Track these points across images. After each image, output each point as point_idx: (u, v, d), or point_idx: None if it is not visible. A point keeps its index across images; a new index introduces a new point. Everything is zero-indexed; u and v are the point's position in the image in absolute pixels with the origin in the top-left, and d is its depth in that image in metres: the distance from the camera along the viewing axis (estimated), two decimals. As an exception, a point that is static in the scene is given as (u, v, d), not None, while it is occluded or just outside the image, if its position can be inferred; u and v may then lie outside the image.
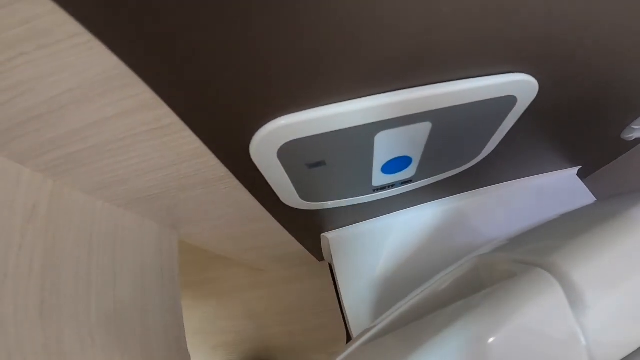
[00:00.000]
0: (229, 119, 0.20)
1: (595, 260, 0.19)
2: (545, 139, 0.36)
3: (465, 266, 0.27)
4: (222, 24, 0.15)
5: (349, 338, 0.59)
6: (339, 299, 0.47)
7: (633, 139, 0.39)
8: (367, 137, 0.24)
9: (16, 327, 0.18)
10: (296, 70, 0.18)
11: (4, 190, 0.19)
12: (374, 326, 0.27)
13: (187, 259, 0.66)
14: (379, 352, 0.24)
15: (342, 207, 0.36)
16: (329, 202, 0.34)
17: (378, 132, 0.24)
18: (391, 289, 0.41)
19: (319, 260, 0.63)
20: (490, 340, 0.18)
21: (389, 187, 0.34)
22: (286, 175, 0.26)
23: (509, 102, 0.24)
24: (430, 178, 0.35)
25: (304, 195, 0.31)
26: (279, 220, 0.39)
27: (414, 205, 0.45)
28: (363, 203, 0.36)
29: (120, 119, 0.19)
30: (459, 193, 0.46)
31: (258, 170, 0.25)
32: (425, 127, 0.25)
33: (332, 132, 0.22)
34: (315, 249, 0.54)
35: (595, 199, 0.47)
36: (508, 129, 0.29)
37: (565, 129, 0.34)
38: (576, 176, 0.49)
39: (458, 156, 0.33)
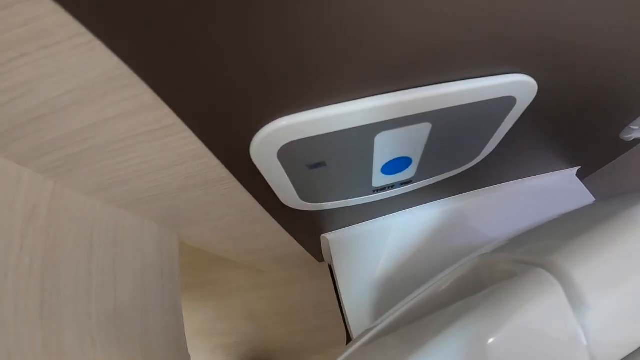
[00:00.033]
0: (229, 120, 0.20)
1: (595, 260, 0.19)
2: (545, 139, 0.36)
3: (466, 266, 0.27)
4: (223, 26, 0.15)
5: (349, 339, 0.59)
6: (339, 300, 0.47)
7: (632, 139, 0.39)
8: (367, 138, 0.24)
9: (16, 327, 0.18)
10: (296, 71, 0.18)
11: (4, 191, 0.19)
12: (374, 327, 0.27)
13: (187, 261, 0.66)
14: (379, 353, 0.24)
15: (342, 208, 0.36)
16: (329, 203, 0.34)
17: (378, 132, 0.24)
18: (391, 290, 0.41)
19: (319, 262, 0.63)
20: (490, 340, 0.18)
21: (389, 187, 0.34)
22: (286, 176, 0.26)
23: (508, 102, 0.25)
24: (430, 179, 0.35)
25: (304, 196, 0.31)
26: (279, 221, 0.39)
27: (414, 206, 0.45)
28: (363, 204, 0.36)
29: (121, 119, 0.19)
30: (459, 193, 0.46)
31: (258, 171, 0.25)
32: (425, 128, 0.25)
33: (333, 133, 0.22)
34: (315, 250, 0.54)
35: (594, 199, 0.47)
36: (507, 129, 0.29)
37: (565, 129, 0.34)
38: (575, 176, 0.49)
39: (458, 157, 0.33)
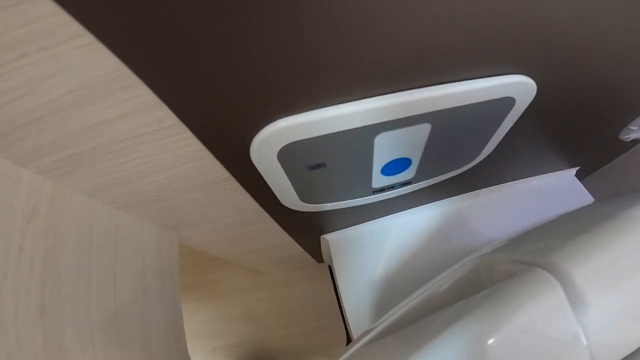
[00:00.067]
0: (229, 121, 0.20)
1: (595, 259, 0.19)
2: (544, 139, 0.36)
3: (466, 267, 0.27)
4: (222, 27, 0.15)
5: (349, 340, 0.59)
6: (339, 301, 0.47)
7: (631, 139, 0.39)
8: (367, 139, 0.24)
9: (16, 327, 0.18)
10: (296, 72, 0.18)
11: (4, 192, 0.19)
12: (374, 328, 0.27)
13: (187, 262, 0.66)
14: (379, 354, 0.24)
15: (342, 209, 0.36)
16: (329, 204, 0.34)
17: (378, 133, 0.24)
18: (391, 291, 0.41)
19: (319, 262, 0.63)
20: (491, 341, 0.18)
21: (388, 188, 0.34)
22: (286, 177, 0.26)
23: (507, 103, 0.25)
24: (430, 179, 0.35)
25: (304, 197, 0.31)
26: (278, 222, 0.39)
27: (414, 207, 0.46)
28: (363, 205, 0.36)
29: (122, 120, 0.19)
30: (459, 194, 0.46)
31: (258, 172, 0.25)
32: (424, 129, 0.25)
33: (332, 134, 0.22)
34: (315, 251, 0.54)
35: (593, 199, 0.48)
36: (507, 130, 0.29)
37: (564, 130, 0.34)
38: (574, 177, 0.50)
39: (457, 157, 0.33)
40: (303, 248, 0.52)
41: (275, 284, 0.72)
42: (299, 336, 0.69)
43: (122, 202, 0.27)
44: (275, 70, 0.18)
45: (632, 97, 0.32)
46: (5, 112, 0.17)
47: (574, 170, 0.49)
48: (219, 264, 0.72)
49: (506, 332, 0.18)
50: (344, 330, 0.66)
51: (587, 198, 0.48)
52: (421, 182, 0.35)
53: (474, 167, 0.35)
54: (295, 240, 0.48)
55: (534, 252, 0.23)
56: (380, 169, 0.29)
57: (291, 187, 0.28)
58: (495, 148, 0.32)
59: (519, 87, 0.23)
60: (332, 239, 0.45)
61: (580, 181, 0.49)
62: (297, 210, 0.33)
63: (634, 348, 0.18)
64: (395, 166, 0.30)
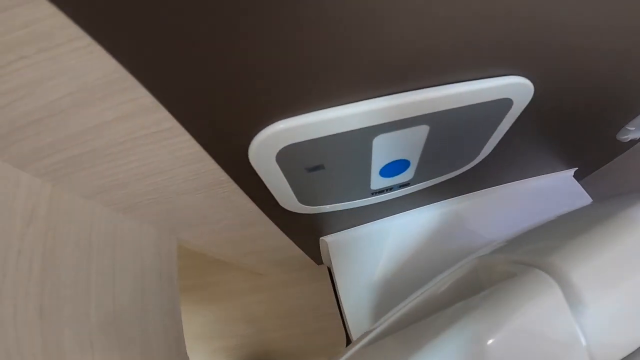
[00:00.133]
0: (227, 124, 0.20)
1: (593, 260, 0.19)
2: (542, 141, 0.36)
3: (465, 268, 0.27)
4: (220, 29, 0.15)
5: (348, 341, 0.59)
6: (338, 302, 0.47)
7: (628, 140, 0.39)
8: (365, 141, 0.24)
9: (16, 328, 0.18)
10: (294, 75, 0.18)
11: (3, 194, 0.19)
12: (374, 329, 0.27)
13: (186, 263, 0.66)
14: (378, 355, 0.24)
15: (341, 210, 0.36)
16: (328, 206, 0.34)
17: (376, 135, 0.24)
18: (390, 292, 0.41)
19: (318, 264, 0.63)
20: (490, 341, 0.18)
21: (387, 190, 0.34)
22: (285, 179, 0.26)
23: (505, 104, 0.25)
24: (428, 181, 0.36)
25: (302, 199, 0.31)
26: (277, 224, 0.39)
27: (413, 208, 0.46)
28: (362, 206, 0.36)
29: (120, 122, 0.19)
30: (457, 196, 0.46)
31: (257, 175, 0.25)
32: (422, 130, 0.25)
33: (331, 135, 0.22)
34: (314, 253, 0.54)
35: (592, 200, 0.48)
36: (505, 131, 0.29)
37: (562, 130, 0.34)
38: (573, 178, 0.50)
39: (456, 159, 0.33)
40: (302, 250, 0.52)
41: (274, 286, 0.71)
42: (298, 338, 0.69)
43: (121, 204, 0.27)
44: (273, 73, 0.18)
45: (629, 98, 0.32)
46: (4, 114, 0.17)
47: (572, 171, 0.49)
48: (219, 266, 0.72)
49: (505, 333, 0.18)
50: (344, 331, 0.66)
51: (585, 199, 0.48)
52: (420, 184, 0.35)
53: (472, 168, 0.35)
54: (295, 242, 0.48)
55: (533, 253, 0.23)
56: (378, 170, 0.29)
57: (290, 189, 0.28)
58: (494, 149, 0.32)
59: (516, 88, 0.23)
60: (331, 241, 0.45)
61: (579, 182, 0.49)
62: (296, 212, 0.33)
63: (633, 348, 0.18)
64: (394, 168, 0.30)
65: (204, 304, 0.72)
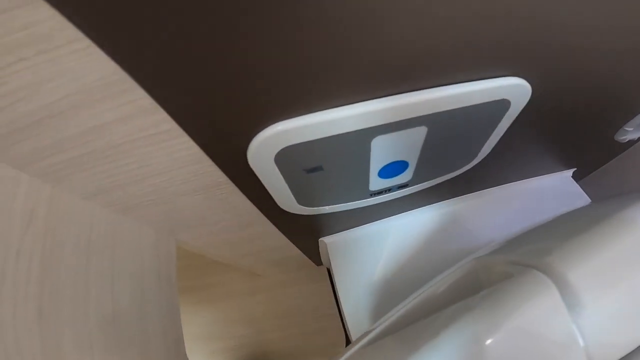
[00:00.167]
0: (226, 125, 0.21)
1: (590, 261, 0.19)
2: (540, 141, 0.36)
3: (463, 268, 0.27)
4: (218, 31, 0.15)
5: (348, 342, 0.59)
6: (337, 303, 0.47)
7: (626, 140, 0.39)
8: (363, 142, 0.24)
9: (15, 329, 0.18)
10: (293, 77, 0.18)
11: (3, 195, 0.19)
12: (373, 329, 0.27)
13: (185, 264, 0.66)
14: (378, 355, 0.24)
15: (340, 211, 0.36)
16: (327, 207, 0.34)
17: (374, 136, 0.24)
18: (390, 292, 0.41)
19: (317, 265, 0.63)
20: (489, 341, 0.18)
21: (386, 191, 0.34)
22: (283, 181, 0.26)
23: (502, 105, 0.25)
24: (427, 182, 0.36)
25: (301, 201, 0.31)
26: (276, 226, 0.39)
27: (411, 209, 0.46)
28: (360, 207, 0.36)
29: (119, 124, 0.19)
30: (456, 196, 0.46)
31: (255, 176, 0.25)
32: (420, 132, 0.25)
33: (329, 137, 0.22)
34: (313, 254, 0.54)
35: (590, 200, 0.48)
36: (503, 132, 0.29)
37: (560, 131, 0.34)
38: (571, 178, 0.50)
39: (454, 160, 0.33)
40: (301, 251, 0.52)
41: (273, 287, 0.71)
42: (297, 338, 0.69)
43: (120, 205, 0.27)
44: (272, 74, 0.18)
45: (627, 99, 0.32)
46: (4, 115, 0.17)
47: (570, 172, 0.49)
48: (218, 267, 0.72)
49: (504, 333, 0.19)
50: (343, 332, 0.66)
51: (584, 199, 0.48)
52: (418, 185, 0.35)
53: (470, 169, 0.35)
54: (294, 243, 0.48)
55: (531, 254, 0.23)
56: (377, 171, 0.29)
57: (289, 190, 0.28)
58: (492, 150, 0.32)
59: (513, 89, 0.23)
60: (330, 242, 0.45)
61: (577, 182, 0.49)
62: (294, 214, 0.33)
63: (631, 348, 0.19)
64: (393, 169, 0.30)
65: (203, 305, 0.72)
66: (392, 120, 0.23)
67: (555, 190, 0.48)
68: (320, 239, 0.46)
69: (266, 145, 0.22)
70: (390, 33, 0.17)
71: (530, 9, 0.18)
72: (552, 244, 0.22)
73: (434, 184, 0.36)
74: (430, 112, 0.23)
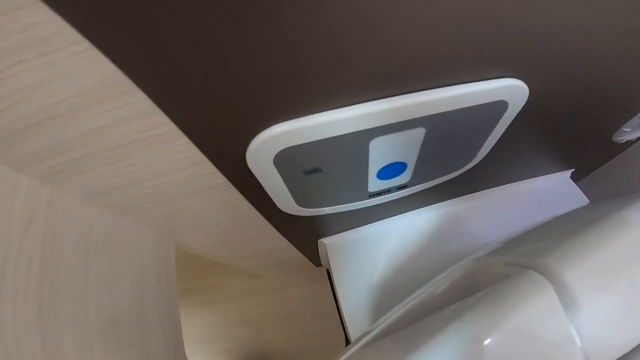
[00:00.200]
0: (225, 127, 0.21)
1: (587, 261, 0.19)
2: (538, 142, 0.36)
3: (461, 269, 0.27)
4: (217, 34, 0.15)
5: (347, 343, 0.59)
6: (337, 304, 0.47)
7: (624, 141, 0.40)
8: (362, 144, 0.24)
9: (15, 329, 0.19)
10: (291, 79, 0.18)
11: (3, 197, 0.19)
12: (372, 330, 0.27)
13: (185, 266, 0.66)
14: (376, 355, 0.24)
15: (339, 213, 0.36)
16: (326, 208, 0.34)
17: (373, 138, 0.24)
18: (389, 293, 0.41)
19: (317, 266, 0.63)
20: (487, 341, 0.18)
21: (384, 192, 0.34)
22: (282, 182, 0.26)
23: (500, 107, 0.25)
24: (426, 183, 0.36)
25: (300, 202, 0.31)
26: (275, 227, 0.39)
27: (410, 211, 0.46)
28: (359, 209, 0.37)
29: (119, 126, 0.19)
30: (455, 197, 0.46)
31: (254, 178, 0.25)
32: (419, 133, 0.25)
33: (328, 139, 0.22)
34: (313, 255, 0.54)
35: (588, 201, 0.48)
36: (500, 133, 0.29)
37: (557, 132, 0.34)
38: (569, 179, 0.50)
39: (452, 161, 0.33)
40: (301, 252, 0.52)
41: (273, 288, 0.71)
42: (297, 339, 0.69)
43: (120, 207, 0.27)
44: (270, 77, 0.18)
45: (625, 99, 0.32)
46: (4, 117, 0.17)
47: (568, 173, 0.50)
48: (218, 269, 0.72)
49: (501, 334, 0.19)
50: (343, 333, 0.65)
51: (582, 200, 0.48)
52: (417, 186, 0.35)
53: (468, 170, 0.35)
54: (293, 245, 0.48)
55: (528, 255, 0.23)
56: (376, 173, 0.29)
57: (287, 191, 0.28)
58: (490, 151, 0.32)
59: (511, 90, 0.24)
60: (329, 243, 0.45)
61: (576, 183, 0.49)
62: (294, 215, 0.34)
63: (628, 349, 0.19)
64: (391, 170, 0.30)
65: (203, 307, 0.72)
66: (390, 122, 0.23)
67: (553, 191, 0.48)
68: (319, 240, 0.46)
69: (265, 147, 0.22)
70: (388, 35, 0.17)
71: (528, 11, 0.18)
72: (550, 245, 0.22)
73: (432, 185, 0.36)
74: (428, 114, 0.23)
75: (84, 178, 0.23)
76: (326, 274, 0.68)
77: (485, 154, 0.33)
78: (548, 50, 0.22)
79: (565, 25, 0.20)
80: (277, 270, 0.66)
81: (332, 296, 0.66)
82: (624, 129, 0.37)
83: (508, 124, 0.28)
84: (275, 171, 0.24)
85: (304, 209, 0.32)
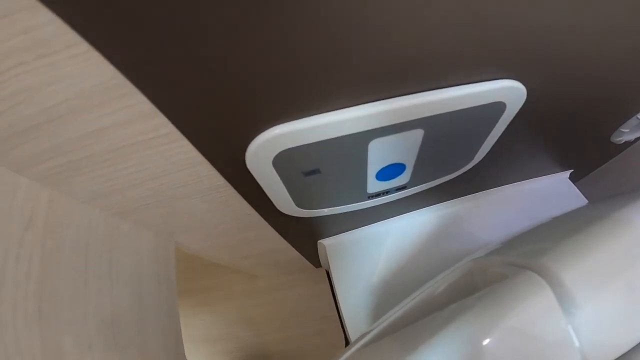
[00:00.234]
0: (224, 128, 0.21)
1: (584, 261, 0.19)
2: (536, 143, 0.36)
3: (460, 270, 0.27)
4: (216, 36, 0.15)
5: (347, 343, 0.59)
6: (336, 305, 0.47)
7: (623, 142, 0.40)
8: (360, 145, 0.24)
9: (15, 332, 0.19)
10: (290, 80, 0.18)
11: (2, 199, 0.19)
12: (371, 330, 0.27)
13: (184, 267, 0.66)
14: (376, 355, 0.24)
15: (338, 214, 0.36)
16: (325, 210, 0.34)
17: (371, 139, 0.24)
18: (388, 294, 0.41)
19: (316, 267, 0.63)
20: (486, 341, 0.19)
21: (383, 193, 0.34)
22: (282, 184, 0.26)
23: (498, 108, 0.25)
24: (424, 184, 0.36)
25: (299, 203, 0.31)
26: (275, 228, 0.39)
27: (409, 212, 0.46)
28: (358, 210, 0.37)
29: (118, 128, 0.19)
30: (454, 198, 0.46)
31: (254, 179, 0.25)
32: (417, 134, 0.25)
33: (326, 140, 0.22)
34: (312, 256, 0.54)
35: (587, 201, 0.48)
36: (499, 134, 0.29)
37: (556, 133, 0.35)
38: (568, 180, 0.50)
39: (451, 162, 0.33)
40: (300, 253, 0.52)
41: (273, 289, 0.71)
42: (297, 340, 0.69)
43: (119, 209, 0.27)
44: (269, 78, 0.18)
45: (623, 100, 0.32)
46: (4, 118, 0.17)
47: (567, 173, 0.50)
48: (217, 269, 0.72)
49: (499, 334, 0.19)
50: (342, 334, 0.65)
51: (581, 200, 0.48)
52: (416, 187, 0.36)
53: (467, 171, 0.35)
54: (292, 246, 0.48)
55: (526, 255, 0.23)
56: (375, 174, 0.29)
57: (287, 193, 0.28)
58: (488, 152, 0.32)
59: (509, 91, 0.24)
60: (328, 244, 0.45)
61: (575, 183, 0.49)
62: (293, 216, 0.34)
63: (626, 349, 0.19)
64: (390, 171, 0.30)
65: (203, 307, 0.72)
66: (388, 123, 0.23)
67: (552, 191, 0.48)
68: (318, 241, 0.46)
69: (264, 148, 0.22)
70: (388, 35, 0.17)
71: (528, 11, 0.18)
72: (547, 245, 0.22)
73: (431, 186, 0.36)
74: (426, 115, 0.23)
75: (83, 180, 0.23)
76: (326, 274, 0.68)
77: (483, 155, 0.33)
78: (547, 51, 0.22)
79: (565, 25, 0.20)
80: (277, 271, 0.66)
81: (332, 297, 0.66)
82: (622, 130, 0.37)
83: (506, 125, 0.28)
84: (275, 172, 0.24)
85: (303, 210, 0.32)
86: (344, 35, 0.17)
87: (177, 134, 0.20)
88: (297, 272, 0.67)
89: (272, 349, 0.69)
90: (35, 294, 0.20)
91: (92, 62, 0.15)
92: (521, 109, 0.26)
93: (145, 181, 0.24)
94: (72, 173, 0.22)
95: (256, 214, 0.33)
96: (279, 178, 0.25)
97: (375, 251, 0.44)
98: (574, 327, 0.18)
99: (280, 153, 0.22)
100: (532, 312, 0.19)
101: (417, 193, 0.37)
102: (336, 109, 0.21)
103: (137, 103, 0.18)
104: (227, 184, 0.27)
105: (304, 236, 0.44)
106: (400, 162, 0.29)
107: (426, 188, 0.37)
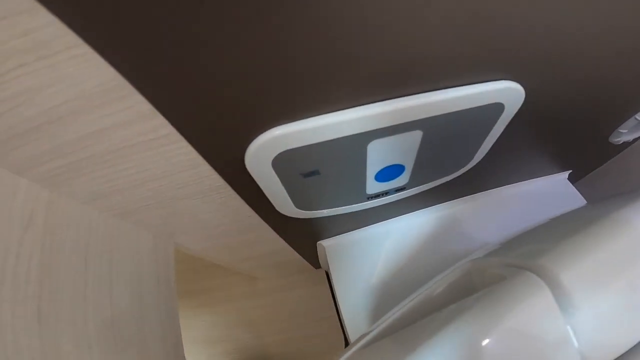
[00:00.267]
0: (224, 130, 0.21)
1: (583, 262, 0.20)
2: (535, 144, 0.36)
3: (459, 270, 0.27)
4: (217, 39, 0.15)
5: (347, 344, 0.59)
6: (336, 306, 0.47)
7: (621, 142, 0.40)
8: (359, 146, 0.24)
9: (14, 333, 0.19)
10: (289, 82, 0.18)
11: (1, 200, 0.20)
12: (371, 331, 0.27)
13: (184, 268, 0.66)
14: (375, 356, 0.24)
15: (337, 215, 0.36)
16: (324, 211, 0.34)
17: (370, 141, 0.24)
18: (387, 295, 0.41)
19: (316, 268, 0.63)
20: (485, 342, 0.19)
21: (383, 194, 0.34)
22: (281, 185, 0.26)
23: (496, 109, 0.25)
24: (423, 185, 0.36)
25: (299, 204, 0.31)
26: (274, 229, 0.39)
27: (408, 213, 0.46)
28: (358, 211, 0.37)
29: (118, 129, 0.19)
30: (453, 199, 0.46)
31: (253, 180, 0.25)
32: (416, 136, 0.25)
33: (326, 141, 0.22)
34: (312, 257, 0.54)
35: (586, 202, 0.48)
36: (497, 135, 0.29)
37: (554, 134, 0.35)
38: (567, 180, 0.50)
39: (450, 163, 0.33)
40: (300, 254, 0.52)
41: (272, 290, 0.71)
42: (297, 341, 0.69)
43: (118, 210, 0.27)
44: (268, 80, 0.18)
45: (622, 101, 0.32)
46: (4, 120, 0.17)
47: (566, 174, 0.50)
48: (217, 271, 0.72)
49: (499, 334, 0.19)
50: (342, 335, 0.65)
51: (580, 201, 0.48)
52: (415, 188, 0.36)
53: (466, 172, 0.35)
54: (292, 247, 0.48)
55: (525, 256, 0.23)
56: (374, 175, 0.29)
57: (286, 194, 0.28)
58: (487, 153, 0.32)
59: (507, 92, 0.24)
60: (328, 245, 0.45)
61: (573, 184, 0.50)
62: (292, 217, 0.34)
63: (624, 349, 0.19)
64: (389, 172, 0.30)
65: (203, 308, 0.72)
66: (387, 125, 0.23)
67: (551, 192, 0.49)
68: (318, 242, 0.46)
69: (263, 149, 0.22)
70: (388, 36, 0.17)
71: (528, 11, 0.18)
72: (546, 246, 0.22)
73: (430, 187, 0.36)
74: (425, 116, 0.23)
75: (83, 181, 0.23)
76: (325, 276, 0.68)
77: (482, 156, 0.33)
78: (546, 52, 0.22)
79: (565, 26, 0.20)
80: (277, 272, 0.66)
81: (332, 298, 0.66)
82: (621, 130, 0.37)
83: (505, 126, 0.28)
84: (274, 174, 0.24)
85: (302, 211, 0.33)
86: (343, 35, 0.17)
87: (177, 135, 0.20)
88: (296, 273, 0.67)
89: (272, 351, 0.69)
90: (35, 294, 0.20)
91: (92, 63, 0.15)
92: (519, 109, 0.26)
93: (145, 182, 0.24)
94: (72, 174, 0.22)
95: (256, 215, 0.33)
96: (278, 179, 0.25)
97: (374, 252, 0.44)
98: (573, 328, 0.18)
99: (279, 154, 0.22)
100: (531, 312, 0.19)
101: (416, 194, 0.37)
102: (335, 111, 0.21)
103: (137, 104, 0.18)
104: (226, 185, 0.27)
105: (304, 237, 0.44)
106: (399, 163, 0.29)
107: (425, 189, 0.37)
